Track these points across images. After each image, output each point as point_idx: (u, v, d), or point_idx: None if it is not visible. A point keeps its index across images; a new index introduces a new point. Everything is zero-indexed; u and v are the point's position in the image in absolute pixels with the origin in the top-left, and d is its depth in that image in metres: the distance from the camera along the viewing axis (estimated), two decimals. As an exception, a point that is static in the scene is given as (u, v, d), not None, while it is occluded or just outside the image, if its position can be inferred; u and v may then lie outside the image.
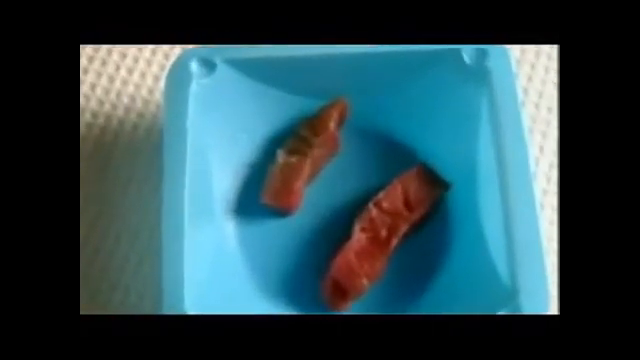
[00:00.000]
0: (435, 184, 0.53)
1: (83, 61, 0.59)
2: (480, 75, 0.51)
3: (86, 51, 0.59)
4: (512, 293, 0.46)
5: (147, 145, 0.57)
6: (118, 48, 0.59)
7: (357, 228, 0.51)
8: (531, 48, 0.59)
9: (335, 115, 0.53)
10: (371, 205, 0.51)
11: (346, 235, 0.51)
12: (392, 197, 0.52)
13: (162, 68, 0.59)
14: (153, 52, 0.59)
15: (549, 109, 0.56)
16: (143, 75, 0.59)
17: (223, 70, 0.52)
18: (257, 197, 0.53)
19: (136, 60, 0.59)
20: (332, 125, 0.53)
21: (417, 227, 0.52)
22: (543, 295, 0.45)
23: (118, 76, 0.59)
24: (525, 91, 0.58)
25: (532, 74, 0.58)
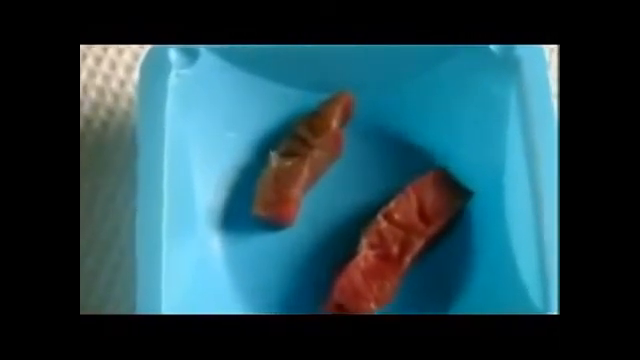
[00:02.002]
0: (455, 192, 0.52)
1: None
2: (507, 65, 0.50)
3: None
4: (545, 319, 0.45)
5: (118, 147, 0.56)
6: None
7: (364, 243, 0.50)
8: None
9: (338, 112, 0.53)
10: (380, 217, 0.51)
11: (351, 252, 0.50)
12: (405, 207, 0.51)
13: (135, 57, 0.58)
14: (125, 38, 0.60)
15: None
16: (113, 65, 0.58)
17: (207, 59, 0.51)
18: (247, 207, 0.52)
19: (105, 48, 0.58)
20: (335, 123, 0.53)
21: (434, 242, 0.52)
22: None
23: (84, 66, 0.58)
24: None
25: (567, 63, 0.58)
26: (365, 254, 0.50)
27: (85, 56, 0.58)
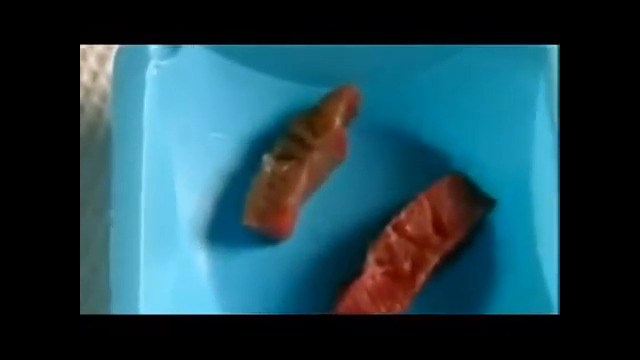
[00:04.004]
0: (475, 200, 0.52)
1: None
2: (534, 54, 0.50)
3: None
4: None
5: (89, 149, 0.55)
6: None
7: (371, 260, 0.50)
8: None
9: (341, 108, 0.52)
10: (389, 229, 0.51)
11: (356, 269, 0.50)
12: (418, 218, 0.51)
13: (109, 46, 0.58)
14: (97, 24, 0.60)
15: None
16: (84, 54, 0.58)
17: (191, 48, 0.51)
18: (236, 218, 0.52)
19: (74, 35, 0.59)
20: (337, 122, 0.52)
21: (451, 258, 0.51)
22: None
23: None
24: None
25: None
26: (372, 272, 0.50)
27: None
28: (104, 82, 0.57)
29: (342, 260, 0.51)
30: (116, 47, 0.50)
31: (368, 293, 0.49)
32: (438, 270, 0.51)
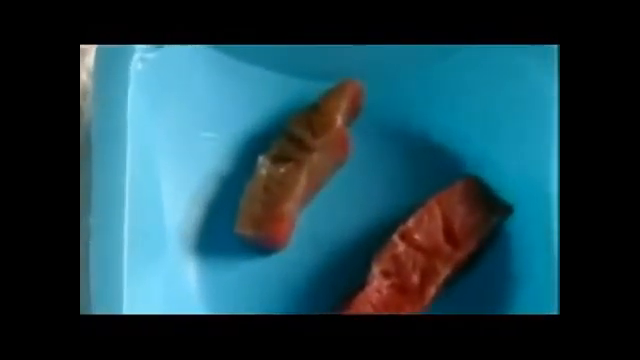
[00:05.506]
0: (490, 206, 0.52)
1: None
2: (550, 51, 0.49)
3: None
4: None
5: None
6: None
7: (376, 271, 0.50)
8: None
9: (343, 106, 0.52)
10: (396, 238, 0.50)
11: (360, 281, 0.50)
12: (427, 226, 0.51)
13: None
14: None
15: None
16: None
17: None
18: (229, 225, 0.52)
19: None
20: (339, 120, 0.52)
21: (464, 269, 0.51)
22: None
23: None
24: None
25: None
26: (378, 284, 0.49)
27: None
28: (84, 77, 0.56)
29: (344, 271, 0.51)
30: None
31: (373, 307, 0.49)
32: (449, 282, 0.50)
